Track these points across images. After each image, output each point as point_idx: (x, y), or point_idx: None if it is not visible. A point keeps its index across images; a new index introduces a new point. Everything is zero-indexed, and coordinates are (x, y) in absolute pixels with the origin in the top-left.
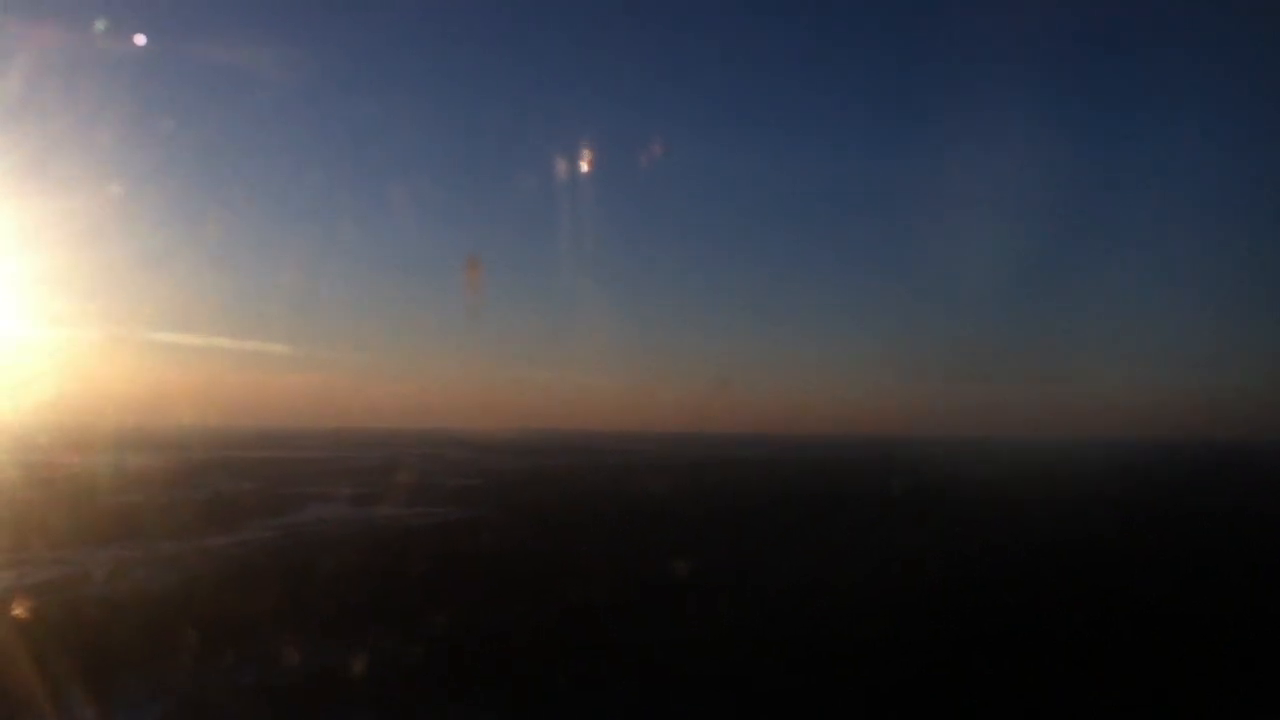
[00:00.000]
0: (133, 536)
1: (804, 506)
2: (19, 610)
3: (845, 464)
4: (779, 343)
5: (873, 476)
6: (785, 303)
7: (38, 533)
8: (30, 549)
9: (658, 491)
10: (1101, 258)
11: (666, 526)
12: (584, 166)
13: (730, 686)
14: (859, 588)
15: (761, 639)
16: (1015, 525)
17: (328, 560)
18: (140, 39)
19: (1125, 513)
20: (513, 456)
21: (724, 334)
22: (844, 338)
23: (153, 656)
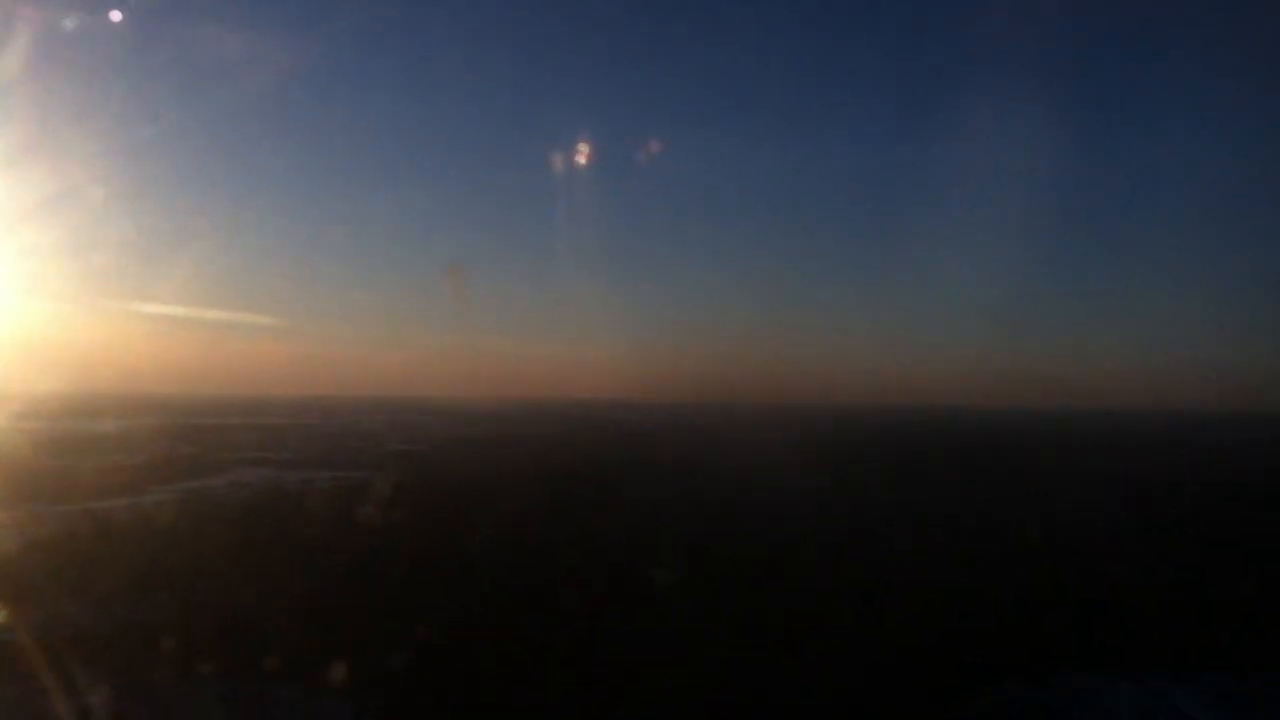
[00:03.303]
0: (32, 499)
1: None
2: None
3: (831, 432)
4: (777, 315)
5: (856, 444)
6: (787, 279)
7: None
8: None
9: (611, 460)
10: (1111, 236)
11: (593, 498)
12: (577, 149)
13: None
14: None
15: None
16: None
17: (198, 524)
18: (116, 15)
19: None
20: (478, 424)
21: (720, 306)
22: (850, 312)
23: None
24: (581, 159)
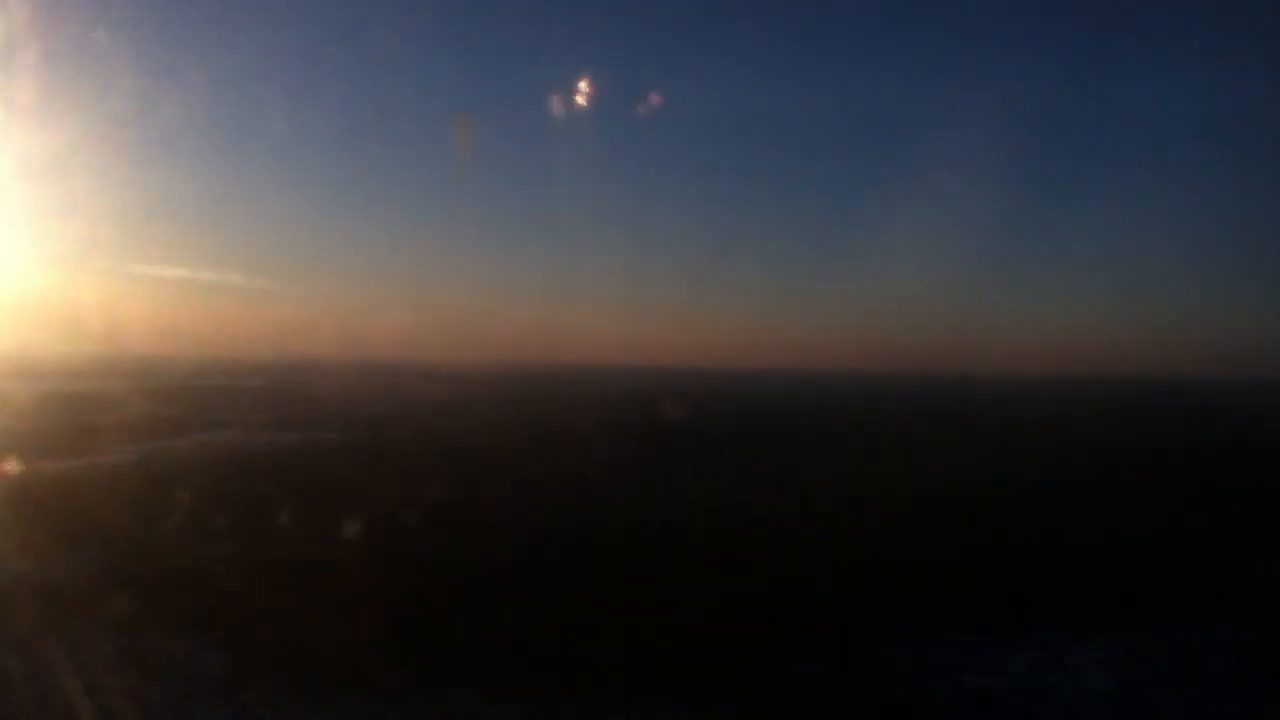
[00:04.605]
0: None
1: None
2: None
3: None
4: (774, 279)
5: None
6: (770, 239)
7: None
8: None
9: (581, 422)
10: (1087, 196)
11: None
12: (574, 97)
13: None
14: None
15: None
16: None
17: (147, 483)
18: None
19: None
20: (466, 387)
21: (718, 267)
22: (829, 271)
23: None
24: (580, 103)
